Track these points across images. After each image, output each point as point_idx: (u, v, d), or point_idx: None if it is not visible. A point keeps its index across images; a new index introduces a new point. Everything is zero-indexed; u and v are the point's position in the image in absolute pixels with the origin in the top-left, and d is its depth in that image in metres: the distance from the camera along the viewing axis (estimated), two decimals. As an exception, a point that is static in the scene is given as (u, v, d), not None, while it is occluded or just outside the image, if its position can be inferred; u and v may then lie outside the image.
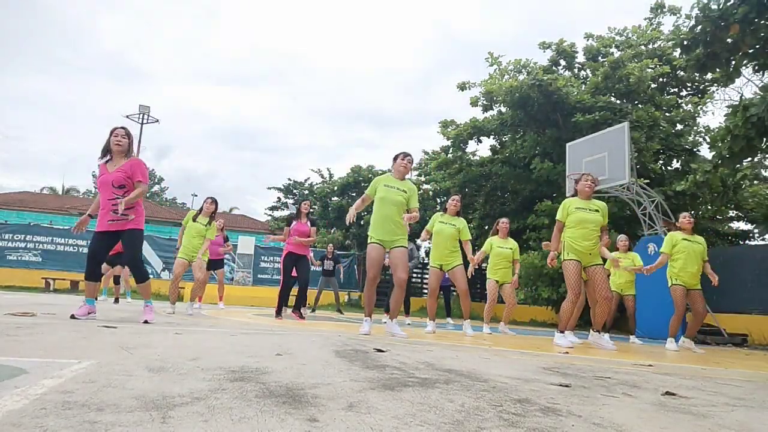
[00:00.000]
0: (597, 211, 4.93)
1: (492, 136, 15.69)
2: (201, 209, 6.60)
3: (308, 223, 6.82)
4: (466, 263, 5.94)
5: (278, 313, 6.59)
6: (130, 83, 76.25)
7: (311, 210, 6.96)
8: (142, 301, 4.78)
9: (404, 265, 4.60)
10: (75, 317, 3.91)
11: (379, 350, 2.93)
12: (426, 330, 5.71)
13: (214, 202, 6.64)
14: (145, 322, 4.05)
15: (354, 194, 21.64)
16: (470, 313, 6.09)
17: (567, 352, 3.93)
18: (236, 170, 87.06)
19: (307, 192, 23.57)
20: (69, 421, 1.03)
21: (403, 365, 2.30)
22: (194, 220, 6.48)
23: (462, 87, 14.67)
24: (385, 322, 5.18)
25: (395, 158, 4.82)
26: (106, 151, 4.17)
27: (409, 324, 7.75)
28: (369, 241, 4.65)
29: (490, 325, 6.78)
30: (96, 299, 4.27)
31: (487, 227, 15.61)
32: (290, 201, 23.73)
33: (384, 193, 4.62)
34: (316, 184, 23.63)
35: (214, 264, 8.49)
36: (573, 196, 5.19)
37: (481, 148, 37.37)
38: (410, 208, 4.69)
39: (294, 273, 6.72)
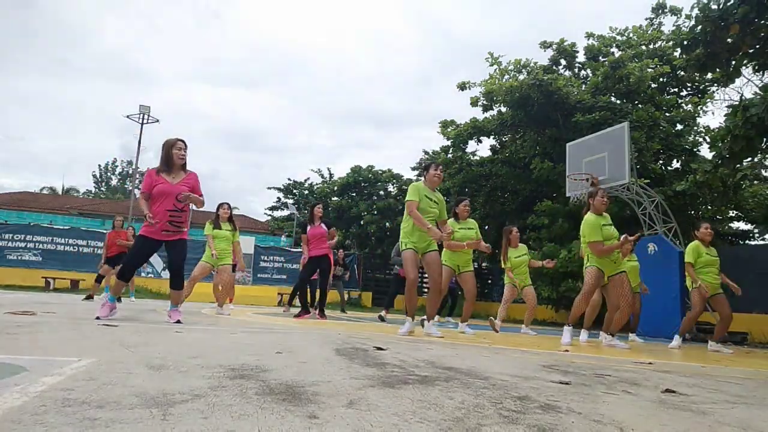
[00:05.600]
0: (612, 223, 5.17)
1: (492, 136, 15.69)
2: (217, 216, 6.73)
3: (322, 225, 6.82)
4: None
5: (302, 312, 6.66)
6: (131, 83, 76.35)
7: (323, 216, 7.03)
8: (147, 300, 4.83)
9: (440, 268, 4.74)
10: (100, 318, 3.92)
11: (379, 348, 2.93)
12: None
13: (229, 206, 6.83)
14: (177, 321, 4.17)
15: (354, 194, 21.64)
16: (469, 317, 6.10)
17: (567, 350, 3.93)
18: (236, 170, 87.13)
19: (307, 192, 23.56)
20: (69, 418, 1.03)
21: (403, 363, 2.30)
22: (216, 227, 6.65)
23: (462, 87, 14.68)
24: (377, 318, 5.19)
25: (427, 168, 4.91)
26: (168, 163, 4.23)
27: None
28: (404, 247, 4.73)
29: (502, 324, 6.85)
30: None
31: (487, 227, 15.62)
32: (290, 201, 23.75)
33: (423, 203, 4.69)
34: (316, 184, 23.63)
35: None
36: (587, 211, 5.20)
37: (481, 148, 37.40)
38: (441, 220, 4.83)
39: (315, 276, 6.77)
